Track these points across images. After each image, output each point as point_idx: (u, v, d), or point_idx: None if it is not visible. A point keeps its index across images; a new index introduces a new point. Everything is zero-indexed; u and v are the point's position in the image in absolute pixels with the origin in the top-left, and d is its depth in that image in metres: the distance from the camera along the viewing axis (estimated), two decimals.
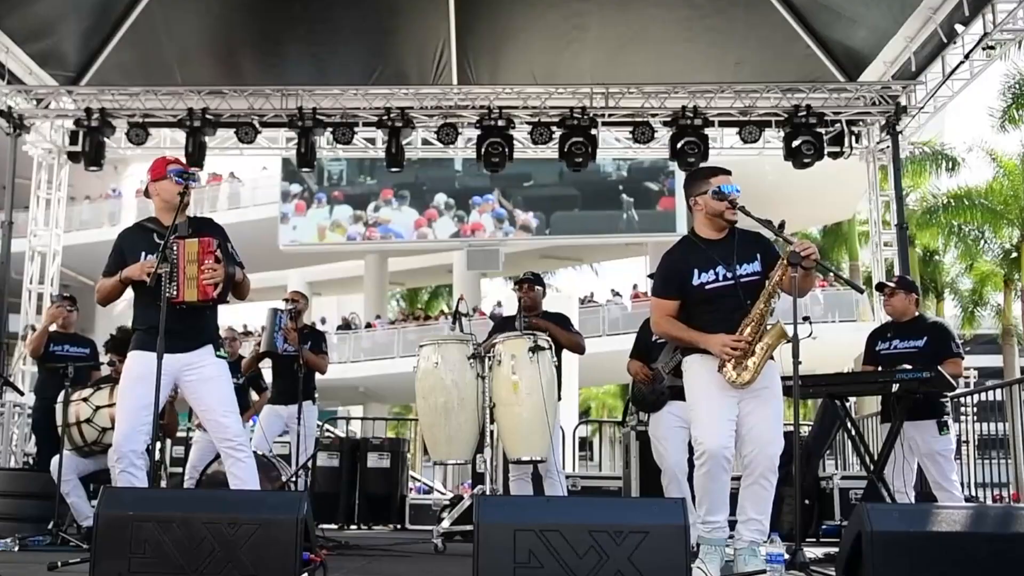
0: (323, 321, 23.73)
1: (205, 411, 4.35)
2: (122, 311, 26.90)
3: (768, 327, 3.95)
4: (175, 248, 4.22)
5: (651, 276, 4.53)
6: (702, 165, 4.25)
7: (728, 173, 4.15)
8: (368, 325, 24.59)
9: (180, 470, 7.60)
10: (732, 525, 4.03)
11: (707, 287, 4.02)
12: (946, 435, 5.25)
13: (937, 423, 5.22)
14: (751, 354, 3.90)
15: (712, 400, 3.96)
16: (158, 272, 4.15)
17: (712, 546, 3.93)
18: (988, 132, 20.19)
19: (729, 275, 4.00)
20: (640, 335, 5.62)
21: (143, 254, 4.32)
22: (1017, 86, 18.97)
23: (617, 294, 24.18)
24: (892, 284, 5.70)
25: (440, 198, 20.66)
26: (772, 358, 4.05)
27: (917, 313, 5.57)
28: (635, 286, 24.30)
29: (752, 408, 3.94)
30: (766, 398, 3.94)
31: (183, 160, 4.50)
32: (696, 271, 4.03)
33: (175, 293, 4.21)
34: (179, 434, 8.09)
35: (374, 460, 8.23)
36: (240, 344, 7.54)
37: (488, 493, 5.14)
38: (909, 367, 5.01)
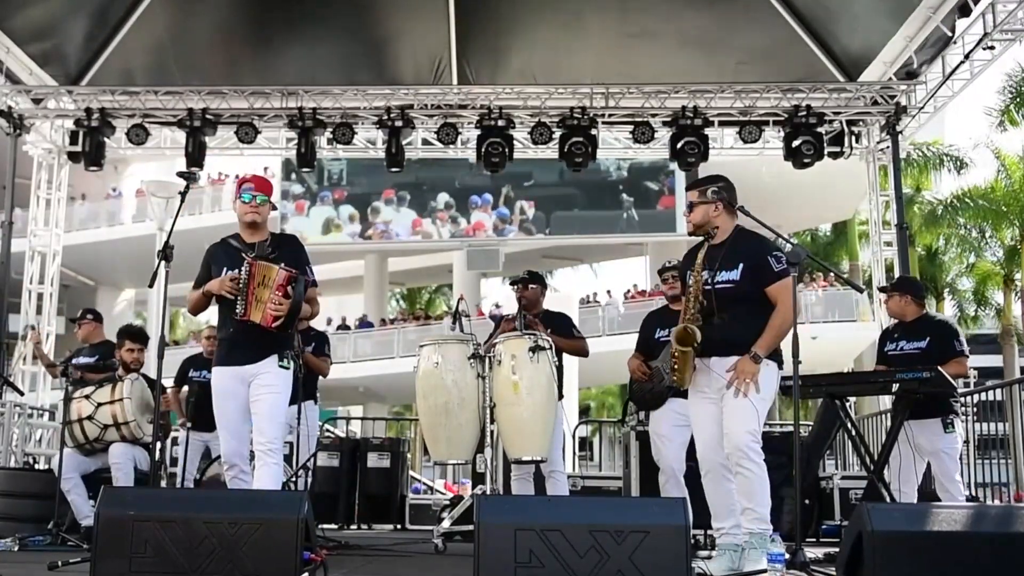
0: (328, 322, 23.73)
1: (255, 413, 4.54)
2: (122, 311, 26.97)
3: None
4: (247, 267, 4.42)
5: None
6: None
7: (688, 188, 4.32)
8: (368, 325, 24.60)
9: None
10: None
11: (690, 290, 4.21)
12: (951, 433, 5.22)
13: (942, 421, 5.20)
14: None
15: (698, 409, 4.18)
16: (235, 292, 4.41)
17: (723, 550, 4.06)
18: (988, 131, 20.14)
19: (708, 280, 4.10)
20: (643, 331, 5.63)
21: (224, 269, 4.52)
22: (1015, 86, 18.93)
23: (609, 294, 24.24)
24: (889, 287, 5.72)
25: (440, 198, 20.65)
26: (770, 356, 4.07)
27: (923, 313, 5.56)
28: (635, 285, 24.34)
29: (724, 405, 4.07)
30: (729, 396, 4.04)
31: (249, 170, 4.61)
32: (689, 273, 4.22)
33: (244, 311, 4.43)
34: (178, 433, 8.12)
35: (374, 460, 8.22)
36: None
37: (488, 493, 5.14)
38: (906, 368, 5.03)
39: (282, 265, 4.43)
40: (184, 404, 7.21)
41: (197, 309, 4.69)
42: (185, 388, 7.09)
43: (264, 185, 4.67)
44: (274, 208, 4.78)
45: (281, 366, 4.54)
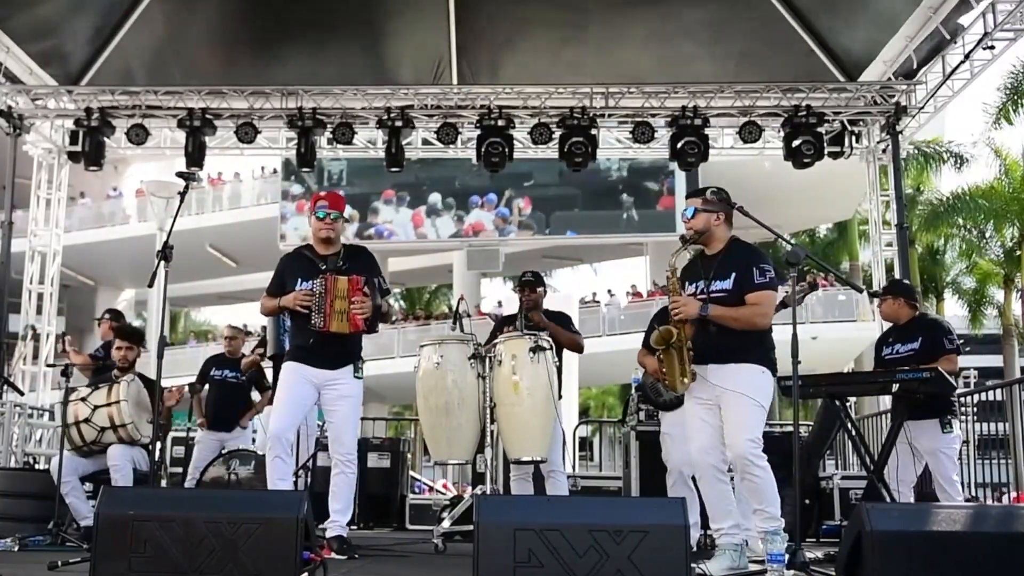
0: None
1: (332, 423, 4.92)
2: (121, 310, 26.94)
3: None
4: (322, 283, 4.68)
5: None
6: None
7: (690, 196, 4.42)
8: None
9: (180, 470, 7.61)
10: None
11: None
12: (949, 433, 5.24)
13: (940, 421, 5.22)
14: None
15: (692, 413, 4.25)
16: (308, 305, 4.68)
17: (723, 549, 4.12)
18: (986, 129, 20.09)
19: (704, 289, 4.21)
20: (651, 327, 5.64)
21: (299, 280, 4.80)
22: (1013, 84, 18.86)
23: (611, 294, 24.25)
24: (881, 291, 5.77)
25: (440, 198, 20.65)
26: (757, 364, 4.12)
27: (916, 314, 5.59)
28: (633, 286, 24.35)
29: (723, 414, 4.14)
30: (730, 403, 4.11)
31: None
32: (687, 283, 4.34)
33: (322, 323, 4.68)
34: (179, 434, 8.14)
35: (374, 460, 8.21)
36: (242, 343, 7.57)
37: (488, 493, 5.14)
38: (907, 368, 5.04)
39: (351, 275, 4.72)
40: (202, 404, 7.25)
41: (270, 315, 5.19)
42: (183, 387, 7.13)
43: (338, 202, 4.95)
44: (347, 221, 5.01)
45: (356, 376, 4.88)
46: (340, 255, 4.86)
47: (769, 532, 3.97)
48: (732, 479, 4.24)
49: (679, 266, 4.33)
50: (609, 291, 24.63)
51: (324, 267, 4.77)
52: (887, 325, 5.85)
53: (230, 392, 7.25)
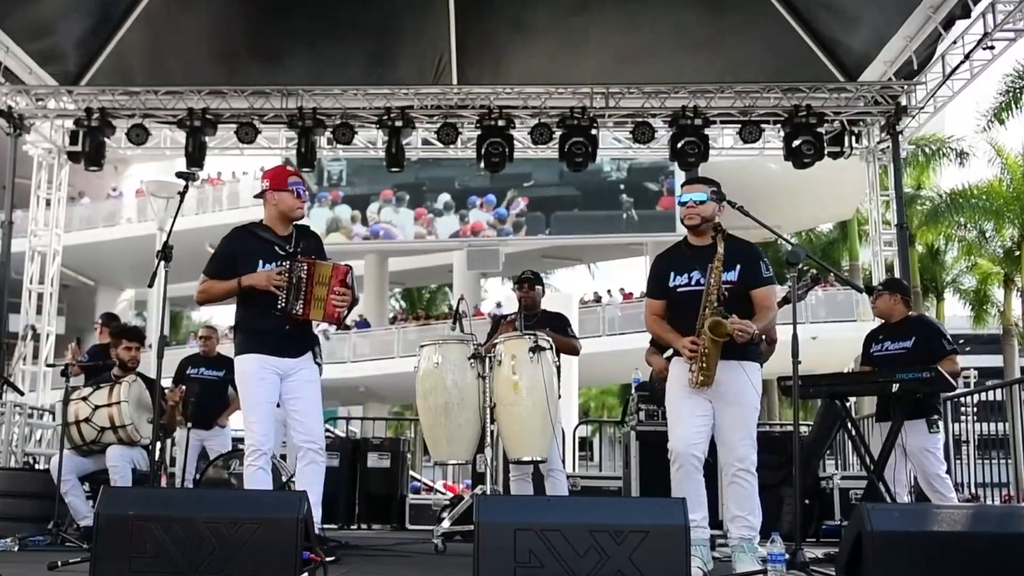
0: None
1: (295, 411, 4.52)
2: (122, 311, 26.97)
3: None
4: (304, 267, 4.38)
5: None
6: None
7: (695, 182, 4.30)
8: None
9: None
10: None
11: (679, 290, 4.18)
12: (936, 433, 5.33)
13: (927, 421, 5.29)
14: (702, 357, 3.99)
15: (682, 402, 4.13)
16: (282, 287, 4.35)
17: (694, 545, 3.95)
18: (978, 131, 20.00)
19: (703, 280, 4.08)
20: None
21: (260, 262, 4.45)
22: (1009, 88, 18.80)
23: (610, 294, 24.33)
24: (879, 286, 5.78)
25: (440, 198, 20.66)
26: (756, 362, 4.14)
27: (908, 313, 5.61)
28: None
29: (721, 413, 4.07)
30: (732, 402, 4.05)
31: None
32: (673, 274, 4.21)
33: (301, 311, 4.39)
34: (178, 434, 8.12)
35: (374, 460, 8.22)
36: (217, 342, 7.54)
37: (488, 493, 5.14)
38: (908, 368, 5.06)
39: (333, 261, 4.48)
40: (182, 403, 7.23)
41: (217, 300, 4.59)
42: (182, 387, 7.11)
43: (302, 179, 4.70)
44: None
45: (316, 362, 4.63)
46: (293, 236, 4.56)
47: (745, 540, 3.97)
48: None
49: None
50: (608, 291, 24.68)
51: (298, 250, 4.46)
52: (879, 323, 5.87)
53: (207, 390, 7.24)
